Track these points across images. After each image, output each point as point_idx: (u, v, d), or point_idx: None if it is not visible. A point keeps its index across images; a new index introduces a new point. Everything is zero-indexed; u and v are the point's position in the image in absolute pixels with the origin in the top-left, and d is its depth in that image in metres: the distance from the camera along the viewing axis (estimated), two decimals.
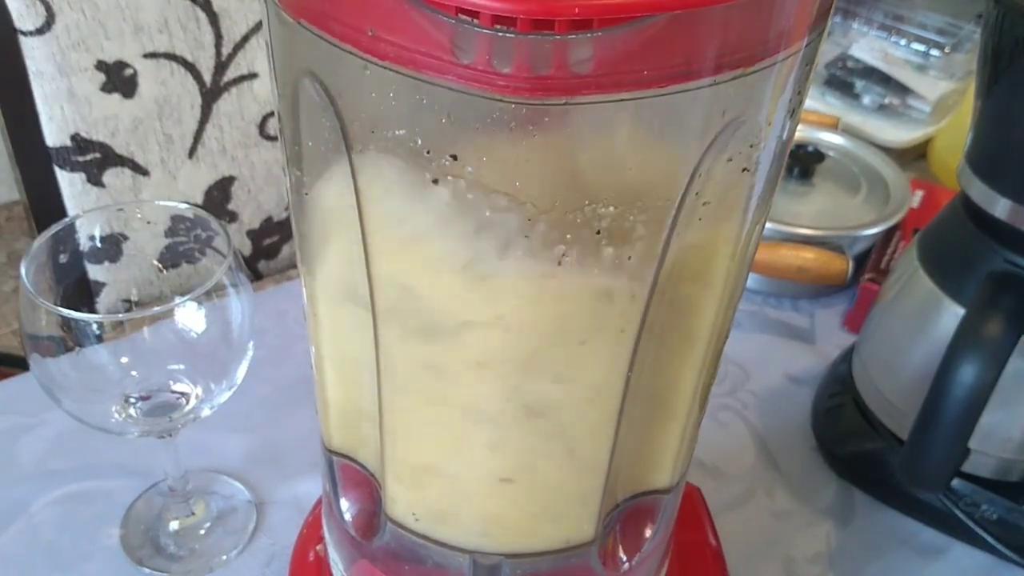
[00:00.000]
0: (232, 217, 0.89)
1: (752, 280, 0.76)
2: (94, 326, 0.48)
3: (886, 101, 1.02)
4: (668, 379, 0.37)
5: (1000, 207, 0.50)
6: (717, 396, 0.67)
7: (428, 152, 0.27)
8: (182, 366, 0.51)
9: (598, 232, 0.29)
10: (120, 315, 0.66)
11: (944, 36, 1.02)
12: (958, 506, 0.55)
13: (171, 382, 0.52)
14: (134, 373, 0.51)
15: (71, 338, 0.47)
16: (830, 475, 0.62)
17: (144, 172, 0.82)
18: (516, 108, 0.25)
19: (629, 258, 0.30)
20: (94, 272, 0.80)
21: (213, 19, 0.79)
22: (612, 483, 0.38)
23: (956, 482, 0.56)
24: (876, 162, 0.82)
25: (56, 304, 0.46)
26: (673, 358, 0.36)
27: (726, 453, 0.63)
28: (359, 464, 0.41)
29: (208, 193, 0.86)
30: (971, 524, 0.54)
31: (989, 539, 0.54)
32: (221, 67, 0.82)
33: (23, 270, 0.45)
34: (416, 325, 0.33)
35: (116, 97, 0.77)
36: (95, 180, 0.80)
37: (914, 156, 1.00)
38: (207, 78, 0.81)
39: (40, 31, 0.72)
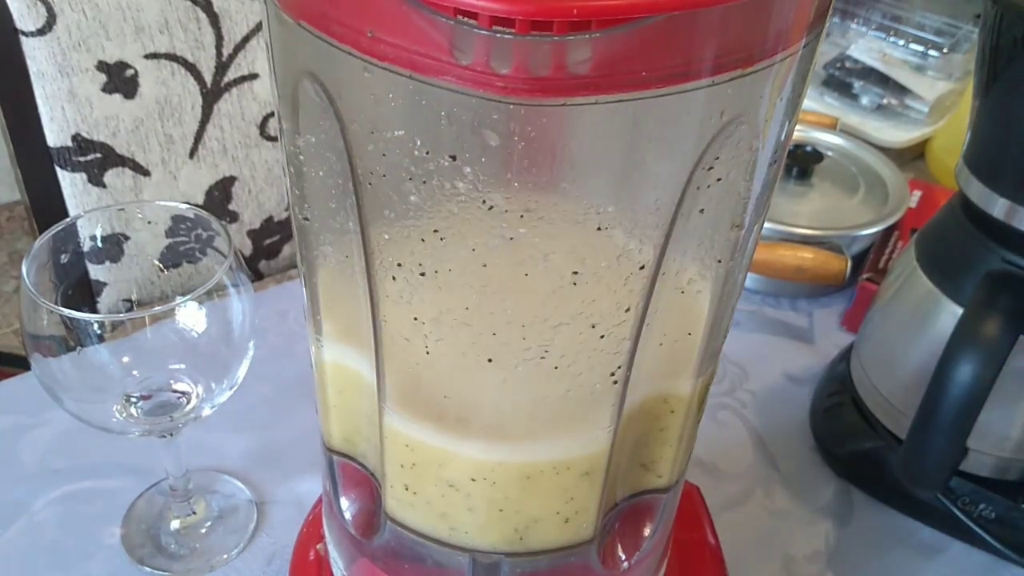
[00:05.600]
0: (233, 217, 0.89)
1: (750, 280, 0.76)
2: (95, 326, 0.48)
3: (884, 101, 1.02)
4: (667, 378, 0.37)
5: (998, 207, 0.50)
6: (716, 395, 0.67)
7: (427, 153, 0.27)
8: (183, 365, 0.51)
9: (598, 228, 0.29)
10: (121, 315, 0.66)
11: (942, 36, 1.02)
12: (956, 505, 0.55)
13: (172, 381, 0.52)
14: (135, 373, 0.51)
15: (72, 338, 0.47)
16: (829, 474, 0.62)
17: (145, 172, 0.82)
18: (514, 109, 0.25)
19: (628, 257, 0.30)
20: (95, 272, 0.80)
21: (214, 20, 0.79)
22: (611, 482, 0.38)
23: (954, 481, 0.56)
24: (874, 162, 0.82)
25: (57, 304, 0.46)
26: (672, 356, 0.36)
27: (725, 452, 0.63)
28: (359, 463, 0.41)
29: (209, 193, 0.86)
30: (970, 523, 0.55)
31: (988, 538, 0.54)
32: (222, 68, 0.82)
33: (24, 270, 0.45)
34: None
35: (117, 97, 0.78)
36: (96, 180, 0.80)
37: (912, 156, 1.00)
38: (208, 78, 0.81)
39: (41, 32, 0.73)
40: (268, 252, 0.94)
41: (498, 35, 0.24)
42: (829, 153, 0.84)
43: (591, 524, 0.39)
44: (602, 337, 0.32)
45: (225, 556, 0.55)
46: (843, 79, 1.04)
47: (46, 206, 0.81)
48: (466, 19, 0.23)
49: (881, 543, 0.58)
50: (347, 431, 0.40)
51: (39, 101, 0.75)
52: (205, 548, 0.55)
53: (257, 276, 0.94)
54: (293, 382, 0.66)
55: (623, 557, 0.42)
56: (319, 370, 0.39)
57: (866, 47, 1.04)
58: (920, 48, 1.03)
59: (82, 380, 0.49)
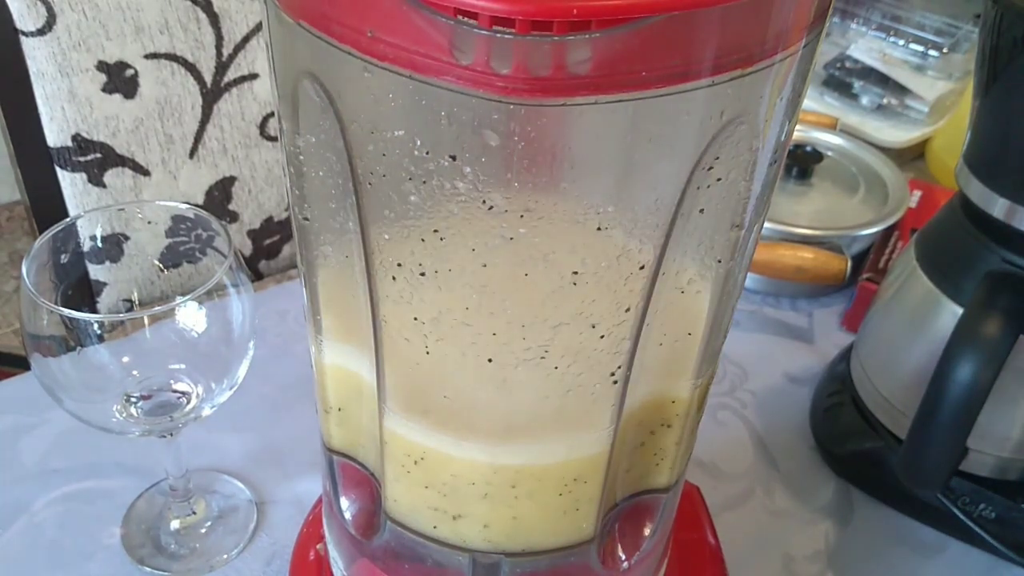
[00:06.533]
0: (233, 217, 0.89)
1: (750, 280, 0.76)
2: (95, 326, 0.48)
3: (884, 101, 1.02)
4: (667, 378, 0.37)
5: (998, 207, 0.50)
6: (716, 395, 0.67)
7: (427, 153, 0.27)
8: (183, 365, 0.51)
9: (598, 228, 0.29)
10: (121, 315, 0.66)
11: (942, 36, 1.02)
12: (956, 505, 0.55)
13: (172, 381, 0.52)
14: (135, 373, 0.51)
15: (72, 338, 0.47)
16: (829, 474, 0.62)
17: (145, 172, 0.82)
18: (514, 109, 0.25)
19: (628, 257, 0.30)
20: (95, 272, 0.80)
21: (214, 20, 0.79)
22: (611, 482, 0.38)
23: (954, 481, 0.56)
24: (874, 162, 0.82)
25: (57, 304, 0.46)
26: (672, 356, 0.36)
27: (725, 452, 0.63)
28: (359, 463, 0.41)
29: (209, 193, 0.86)
30: (969, 523, 0.55)
31: (987, 538, 0.54)
32: (222, 67, 0.82)
33: (24, 270, 0.45)
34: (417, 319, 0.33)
35: (117, 97, 0.78)
36: (96, 180, 0.80)
37: (912, 156, 1.00)
38: (208, 78, 0.81)
39: (41, 31, 0.73)
40: (268, 252, 0.94)
41: (498, 35, 0.24)
42: (829, 153, 0.84)
43: (591, 524, 0.39)
44: (602, 337, 0.32)
45: (225, 556, 0.55)
46: (843, 79, 1.04)
47: (46, 206, 0.81)
48: (466, 19, 0.24)
49: (881, 543, 0.58)
50: (347, 431, 0.40)
51: (39, 101, 0.75)
52: (205, 548, 0.55)
53: (257, 276, 0.94)
54: (293, 382, 0.66)
55: (623, 557, 0.42)
56: (319, 370, 0.39)
57: (866, 47, 1.04)
58: (920, 48, 1.02)
59: (82, 380, 0.49)
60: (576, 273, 0.30)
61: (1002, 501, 0.55)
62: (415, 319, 0.32)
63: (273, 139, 0.87)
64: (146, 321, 0.48)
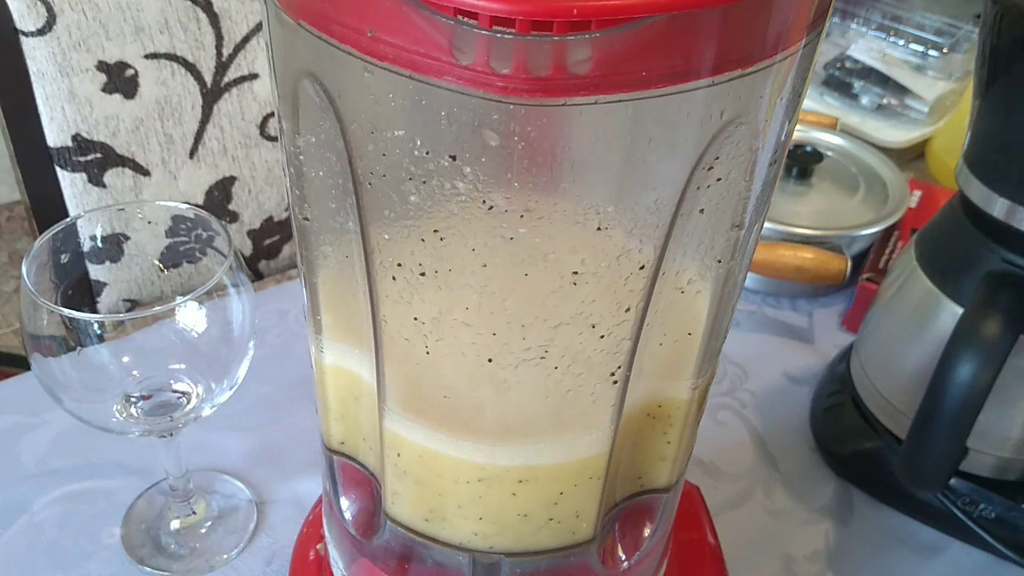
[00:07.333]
0: (233, 217, 0.89)
1: (750, 280, 0.76)
2: (95, 326, 0.48)
3: (884, 101, 1.02)
4: (667, 378, 0.37)
5: (998, 207, 0.50)
6: (716, 395, 0.67)
7: (427, 153, 0.27)
8: (183, 365, 0.51)
9: (598, 228, 0.29)
10: (121, 315, 0.66)
11: (942, 36, 1.02)
12: (956, 505, 0.55)
13: (172, 381, 0.52)
14: (135, 373, 0.51)
15: (72, 338, 0.47)
16: (829, 474, 0.62)
17: (145, 172, 0.82)
18: (515, 109, 0.25)
19: (628, 257, 0.30)
20: (95, 272, 0.80)
21: (214, 20, 0.80)
22: (611, 483, 0.38)
23: (954, 481, 0.56)
24: (874, 162, 0.82)
25: (57, 304, 0.46)
26: (672, 356, 0.36)
27: (725, 452, 0.63)
28: (359, 463, 0.41)
29: (209, 193, 0.86)
30: (969, 523, 0.55)
31: (987, 538, 0.54)
32: (222, 67, 0.82)
33: (24, 270, 0.45)
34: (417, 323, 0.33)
35: (117, 97, 0.78)
36: (96, 180, 0.80)
37: (912, 156, 1.01)
38: (208, 78, 0.81)
39: (41, 31, 0.73)
40: (268, 252, 0.94)
41: (498, 35, 0.24)
42: (829, 153, 0.84)
43: (591, 524, 0.39)
44: (602, 337, 0.32)
45: (225, 556, 0.55)
46: (843, 79, 1.04)
47: (46, 206, 0.81)
48: (466, 19, 0.23)
49: (881, 543, 0.58)
50: (347, 431, 0.40)
51: (39, 101, 0.75)
52: (205, 548, 0.55)
53: (257, 276, 0.94)
54: (293, 382, 0.66)
55: (623, 557, 0.42)
56: (319, 370, 0.39)
57: (866, 47, 1.04)
58: (920, 48, 1.03)
59: (82, 380, 0.49)
60: (576, 273, 0.30)
61: (1002, 501, 0.55)
62: (415, 319, 0.32)
63: (273, 139, 0.87)
64: (146, 321, 0.48)
